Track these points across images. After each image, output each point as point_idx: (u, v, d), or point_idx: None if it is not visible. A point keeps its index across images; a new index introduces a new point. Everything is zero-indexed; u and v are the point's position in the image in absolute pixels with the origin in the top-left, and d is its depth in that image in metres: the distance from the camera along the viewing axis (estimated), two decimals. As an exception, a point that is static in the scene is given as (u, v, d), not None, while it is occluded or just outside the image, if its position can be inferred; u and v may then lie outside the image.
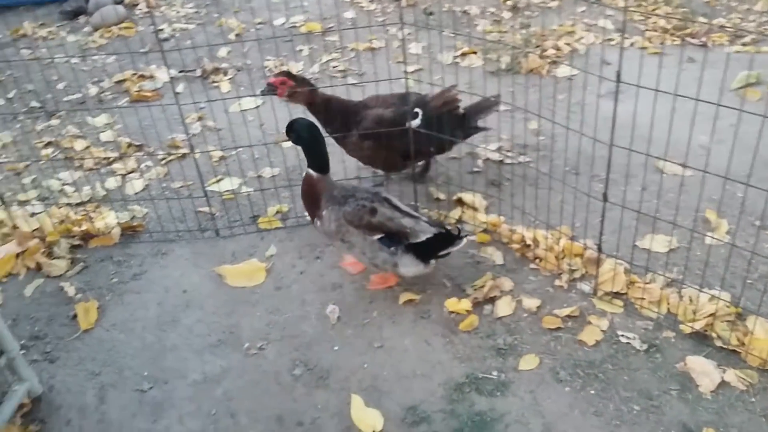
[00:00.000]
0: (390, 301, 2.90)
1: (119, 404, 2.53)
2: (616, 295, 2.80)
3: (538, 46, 5.01)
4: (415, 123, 3.23)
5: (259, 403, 2.50)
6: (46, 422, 2.49)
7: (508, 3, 5.99)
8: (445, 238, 2.76)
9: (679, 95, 2.28)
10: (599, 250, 2.77)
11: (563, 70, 4.67)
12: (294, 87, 3.24)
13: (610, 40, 5.17)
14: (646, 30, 5.34)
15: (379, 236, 2.74)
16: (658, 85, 2.34)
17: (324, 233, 2.88)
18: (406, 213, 2.78)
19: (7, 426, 2.40)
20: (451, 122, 3.27)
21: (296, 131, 2.77)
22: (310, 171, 2.79)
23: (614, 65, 2.41)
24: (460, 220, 3.32)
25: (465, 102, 3.40)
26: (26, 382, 2.51)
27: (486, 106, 3.44)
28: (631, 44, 5.04)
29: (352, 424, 2.38)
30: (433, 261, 2.81)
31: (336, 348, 2.70)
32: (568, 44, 5.10)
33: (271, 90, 3.26)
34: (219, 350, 2.74)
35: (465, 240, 2.79)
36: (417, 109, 3.27)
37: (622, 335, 2.62)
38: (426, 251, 2.76)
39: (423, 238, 2.72)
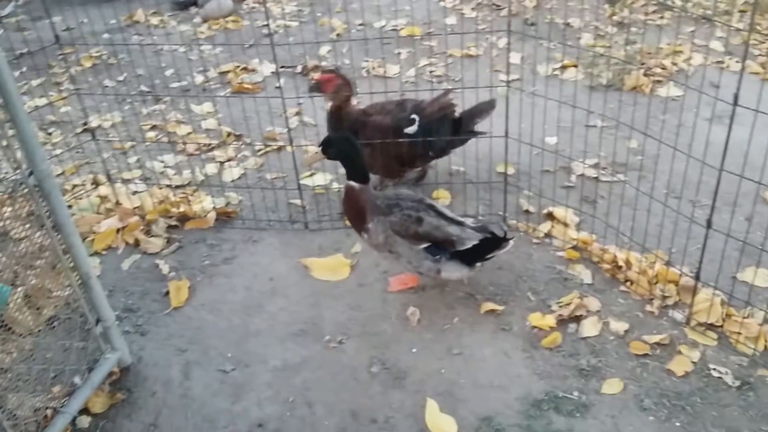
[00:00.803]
0: (471, 309, 2.88)
1: (202, 382, 2.61)
2: (711, 326, 2.68)
3: (643, 64, 4.87)
4: (412, 129, 3.34)
5: (335, 395, 2.52)
6: (132, 392, 2.60)
7: (614, 18, 5.85)
8: (492, 242, 2.75)
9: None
10: (696, 278, 2.66)
11: (670, 90, 4.52)
12: (340, 85, 3.31)
13: (720, 62, 4.97)
14: (760, 55, 5.10)
15: (425, 245, 2.73)
16: (776, 112, 2.24)
17: (372, 246, 2.87)
18: (452, 220, 2.77)
19: (96, 391, 2.53)
20: (448, 127, 3.40)
21: (335, 146, 2.75)
22: (352, 183, 2.75)
23: (723, 88, 2.32)
24: (549, 235, 3.26)
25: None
26: (118, 351, 2.63)
27: (482, 110, 3.49)
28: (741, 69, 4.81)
29: (426, 428, 2.37)
30: (478, 264, 2.79)
31: (414, 350, 2.70)
32: (674, 64, 4.93)
33: (317, 87, 3.33)
34: (300, 340, 2.79)
35: (512, 243, 2.77)
36: (414, 116, 3.37)
37: (714, 369, 2.51)
38: (471, 256, 2.75)
39: (469, 245, 2.72)
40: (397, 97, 3.63)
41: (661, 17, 5.86)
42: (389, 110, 3.47)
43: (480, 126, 3.53)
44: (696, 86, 2.75)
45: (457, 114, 3.48)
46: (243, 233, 3.45)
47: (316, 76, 3.35)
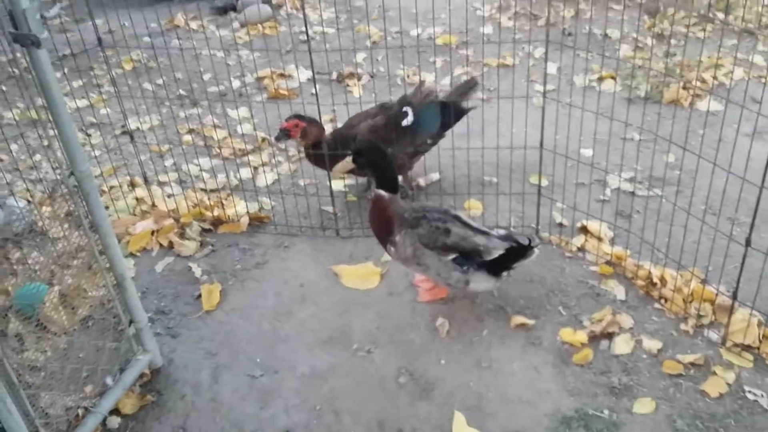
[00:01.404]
0: (501, 322, 2.86)
1: (231, 386, 2.63)
2: (747, 348, 2.62)
3: (682, 77, 4.79)
4: (408, 120, 3.47)
5: (362, 405, 2.52)
6: (162, 394, 2.63)
7: (654, 30, 5.77)
8: (518, 251, 2.73)
9: None
10: (734, 297, 2.60)
11: (710, 104, 4.44)
12: (306, 127, 3.37)
13: (762, 76, 4.87)
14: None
15: (453, 256, 2.72)
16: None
17: (399, 259, 2.85)
18: (477, 230, 2.76)
19: (126, 392, 2.56)
20: (437, 111, 3.54)
21: (366, 155, 2.75)
22: (381, 192, 2.75)
23: (765, 103, 2.27)
24: (582, 249, 3.22)
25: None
26: (149, 353, 2.66)
27: (464, 89, 3.71)
28: (786, 83, 4.71)
29: (452, 441, 2.36)
30: (505, 273, 2.78)
31: (443, 362, 2.69)
32: (715, 77, 4.84)
33: (285, 134, 3.38)
34: (329, 347, 2.79)
35: (537, 251, 2.76)
36: (405, 108, 3.49)
37: (750, 391, 2.45)
38: (498, 266, 2.74)
39: (496, 254, 2.71)
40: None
41: (703, 30, 5.76)
42: (374, 113, 3.55)
43: (469, 104, 3.72)
44: (737, 101, 2.69)
45: (440, 99, 3.64)
46: (275, 239, 3.47)
47: (282, 124, 3.40)
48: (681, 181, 3.61)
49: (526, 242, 2.75)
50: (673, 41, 5.51)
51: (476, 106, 3.67)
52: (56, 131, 2.12)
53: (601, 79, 4.90)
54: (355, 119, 3.58)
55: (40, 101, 2.09)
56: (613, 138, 3.84)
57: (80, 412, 2.37)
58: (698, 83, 4.75)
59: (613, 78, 4.85)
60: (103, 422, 2.46)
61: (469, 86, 3.75)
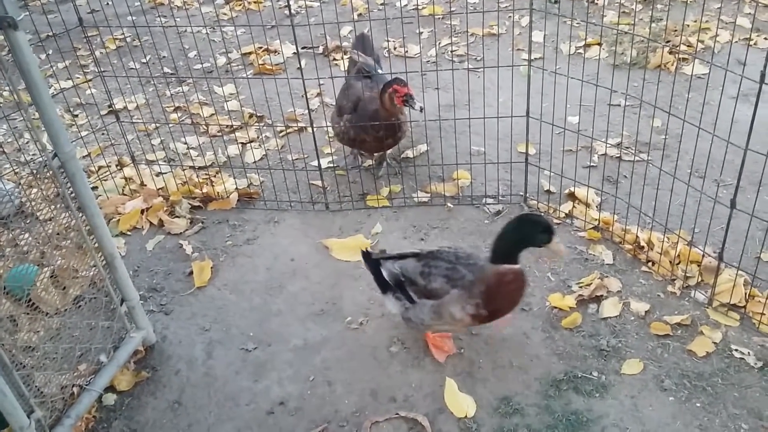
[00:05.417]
0: (492, 289, 2.88)
1: (225, 361, 2.66)
2: (733, 307, 2.66)
3: (668, 41, 4.78)
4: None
5: (354, 375, 2.55)
6: (157, 370, 2.65)
7: (640, -6, 5.73)
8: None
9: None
10: (720, 258, 2.63)
11: (695, 68, 4.44)
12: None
13: (747, 39, 4.86)
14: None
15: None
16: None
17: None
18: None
19: (121, 369, 2.58)
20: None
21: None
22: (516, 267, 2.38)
23: (750, 66, 2.27)
24: (570, 215, 3.24)
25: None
26: (142, 330, 2.68)
27: (364, 41, 4.03)
28: (772, 45, 4.71)
29: (445, 407, 2.39)
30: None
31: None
32: (700, 41, 4.83)
33: (411, 98, 3.31)
34: (321, 319, 2.81)
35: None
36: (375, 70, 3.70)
37: (736, 350, 2.50)
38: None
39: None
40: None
41: (688, -7, 5.74)
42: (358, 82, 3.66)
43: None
44: (722, 64, 2.70)
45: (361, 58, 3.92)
46: (264, 214, 3.47)
47: (407, 90, 3.31)
48: (667, 145, 3.62)
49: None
50: (658, 6, 5.48)
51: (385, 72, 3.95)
52: (38, 113, 2.11)
53: (587, 46, 4.88)
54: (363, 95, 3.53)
55: (22, 84, 2.08)
56: (600, 104, 3.83)
57: (75, 390, 2.39)
58: (684, 47, 4.74)
59: (598, 44, 4.83)
60: (99, 399, 2.49)
61: (364, 39, 4.01)
